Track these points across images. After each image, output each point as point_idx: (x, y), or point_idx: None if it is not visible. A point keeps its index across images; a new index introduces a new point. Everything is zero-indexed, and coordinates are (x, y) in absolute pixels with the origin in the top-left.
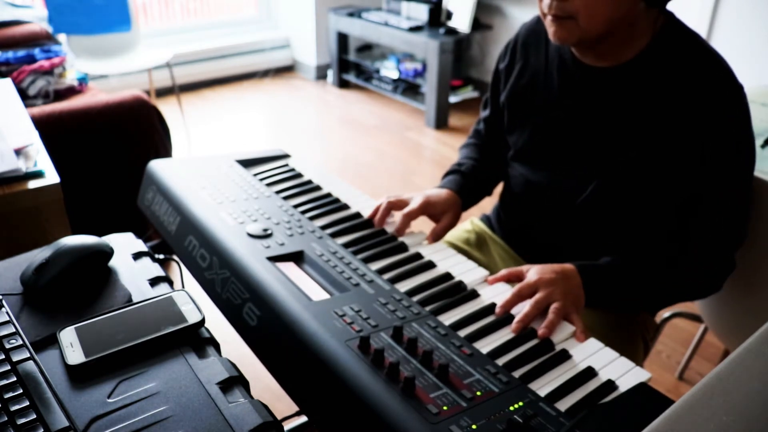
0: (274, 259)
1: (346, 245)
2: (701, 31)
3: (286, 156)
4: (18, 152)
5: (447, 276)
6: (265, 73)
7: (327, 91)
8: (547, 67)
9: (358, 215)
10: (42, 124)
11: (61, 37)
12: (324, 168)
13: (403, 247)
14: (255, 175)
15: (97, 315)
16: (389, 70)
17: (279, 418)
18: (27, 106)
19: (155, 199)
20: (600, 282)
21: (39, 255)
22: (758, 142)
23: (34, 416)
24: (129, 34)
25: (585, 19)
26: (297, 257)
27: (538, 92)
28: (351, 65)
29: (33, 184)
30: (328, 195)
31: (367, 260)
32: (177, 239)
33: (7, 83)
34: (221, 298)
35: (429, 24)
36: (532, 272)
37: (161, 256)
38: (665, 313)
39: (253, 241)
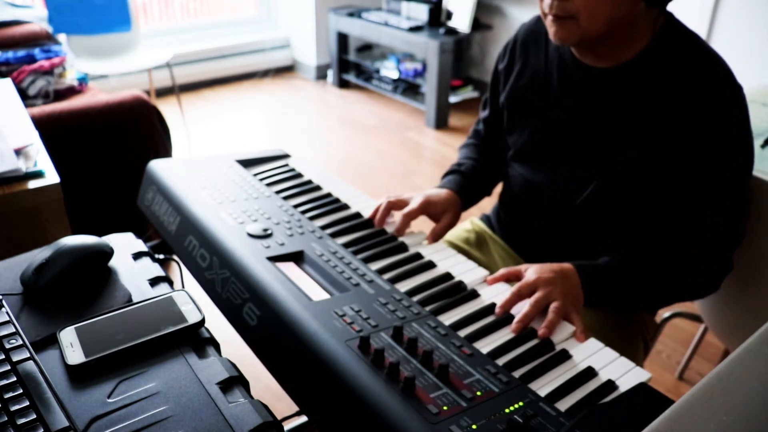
0: (274, 259)
1: (346, 245)
2: (701, 31)
3: (286, 156)
4: (18, 152)
5: (447, 276)
6: (265, 73)
7: (327, 91)
8: (546, 67)
9: (358, 215)
10: (42, 124)
11: (61, 37)
12: (324, 168)
13: (403, 247)
14: (255, 175)
15: (97, 315)
16: (389, 70)
17: (279, 418)
18: (27, 106)
19: (155, 199)
20: (598, 282)
21: (39, 255)
22: (758, 142)
23: (34, 416)
24: (129, 34)
25: (586, 19)
26: (297, 257)
27: (537, 92)
28: (351, 65)
29: (33, 184)
30: (328, 195)
31: (367, 260)
32: (177, 239)
33: (7, 83)
34: (221, 298)
35: (429, 24)
36: (531, 271)
37: (161, 256)
38: (665, 313)
39: (253, 241)
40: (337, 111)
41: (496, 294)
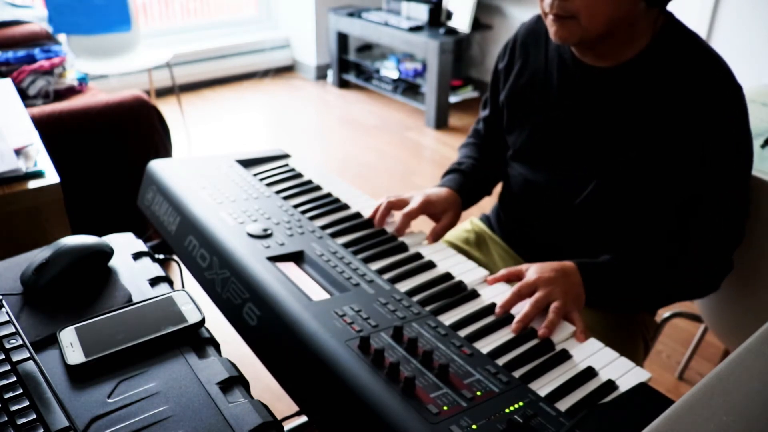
0: (274, 259)
1: (346, 245)
2: (701, 31)
3: (286, 156)
4: (18, 152)
5: (447, 276)
6: (265, 73)
7: (327, 91)
8: (546, 66)
9: (358, 215)
10: (42, 124)
11: (61, 37)
12: (324, 168)
13: (403, 247)
14: (255, 175)
15: (97, 315)
16: (389, 70)
17: (279, 418)
18: (27, 106)
19: (155, 199)
20: (600, 280)
21: (39, 255)
22: (758, 142)
23: (34, 416)
24: (129, 34)
25: (586, 19)
26: (297, 257)
27: (537, 92)
28: (351, 65)
29: (33, 184)
30: (328, 195)
31: (367, 260)
32: (177, 239)
33: (7, 83)
34: (221, 298)
35: (429, 24)
36: (532, 271)
37: (161, 256)
38: (665, 313)
39: (253, 241)
40: (337, 111)
41: (496, 294)
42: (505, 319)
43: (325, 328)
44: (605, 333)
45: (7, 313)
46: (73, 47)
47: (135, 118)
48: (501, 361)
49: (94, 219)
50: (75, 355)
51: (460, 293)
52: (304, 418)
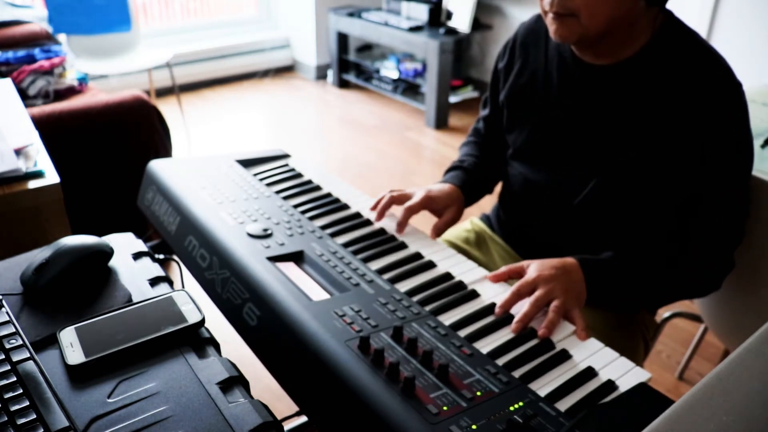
0: (274, 259)
1: (346, 245)
2: (701, 30)
3: (286, 156)
4: (18, 152)
5: (447, 276)
6: (265, 73)
7: (327, 91)
8: (546, 66)
9: (358, 215)
10: (42, 124)
11: (61, 37)
12: (324, 168)
13: (403, 247)
14: (255, 175)
15: (97, 315)
16: (389, 70)
17: (279, 418)
18: (27, 106)
19: (155, 199)
20: (602, 277)
21: (39, 255)
22: (758, 142)
23: (34, 416)
24: (129, 34)
25: (586, 17)
26: (297, 257)
27: (537, 91)
28: (351, 65)
29: (33, 184)
30: (328, 195)
31: (367, 260)
32: (177, 239)
33: (7, 83)
34: (221, 298)
35: (429, 24)
36: (532, 269)
37: (161, 256)
38: (665, 313)
39: (253, 241)
40: (337, 111)
41: (496, 294)
42: (505, 319)
43: (325, 328)
44: (605, 333)
45: (7, 313)
46: (73, 47)
47: (135, 118)
48: (501, 361)
49: (94, 219)
50: (75, 355)
51: (460, 293)
52: (304, 418)
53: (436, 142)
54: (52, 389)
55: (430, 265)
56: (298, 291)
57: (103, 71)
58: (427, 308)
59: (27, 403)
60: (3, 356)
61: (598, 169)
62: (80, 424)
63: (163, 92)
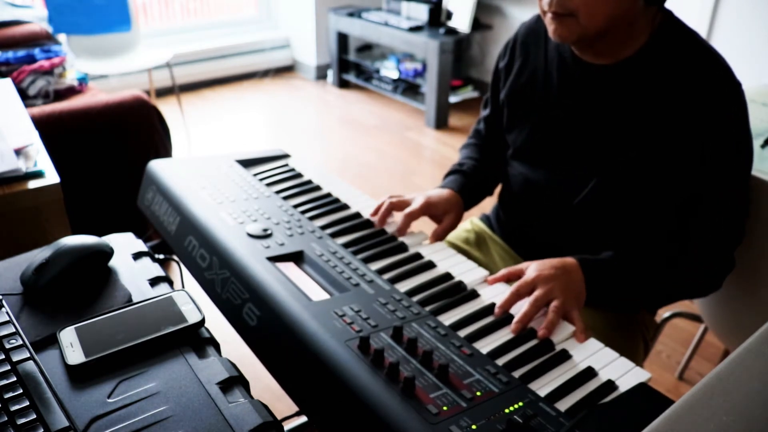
0: (274, 259)
1: (346, 245)
2: (701, 30)
3: (286, 156)
4: (18, 152)
5: (447, 276)
6: (265, 73)
7: (327, 91)
8: (546, 65)
9: (358, 215)
10: (42, 124)
11: (61, 37)
12: (324, 168)
13: (403, 247)
14: (255, 175)
15: (97, 315)
16: (389, 70)
17: (279, 418)
18: (27, 106)
19: (155, 199)
20: (602, 276)
21: (39, 255)
22: (758, 142)
23: (34, 416)
24: (129, 34)
25: (585, 17)
26: (297, 257)
27: (537, 91)
28: (351, 65)
29: (33, 184)
30: (328, 195)
31: (367, 260)
32: (177, 239)
33: (7, 83)
34: (221, 298)
35: (429, 24)
36: (531, 269)
37: (161, 256)
38: (665, 313)
39: (253, 241)
40: (337, 111)
41: (496, 294)
42: (505, 319)
43: (324, 328)
44: (605, 333)
45: (7, 313)
46: (73, 47)
47: (135, 118)
48: (501, 361)
49: (94, 219)
50: (75, 355)
51: (460, 293)
52: (304, 418)
53: (436, 142)
54: (52, 389)
55: (430, 265)
56: (298, 291)
57: (103, 71)
58: (427, 308)
59: (27, 403)
60: (3, 356)
61: (598, 169)
62: (80, 424)
63: (163, 92)
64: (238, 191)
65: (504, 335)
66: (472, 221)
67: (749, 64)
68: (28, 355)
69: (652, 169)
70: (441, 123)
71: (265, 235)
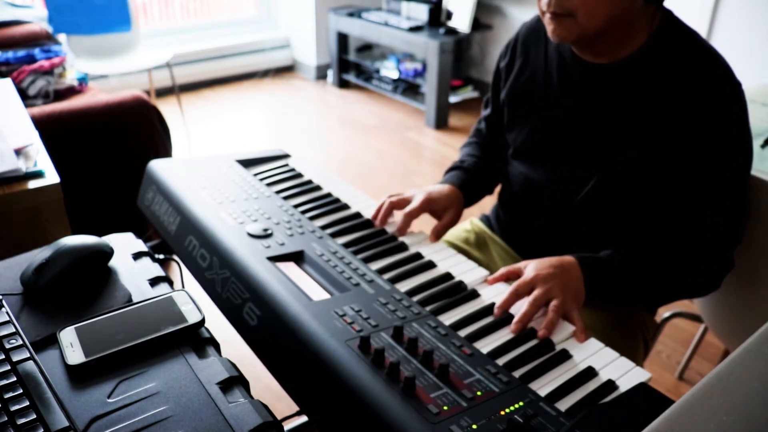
0: (274, 259)
1: (346, 245)
2: (701, 30)
3: (286, 156)
4: (18, 152)
5: (447, 276)
6: (265, 73)
7: (327, 91)
8: (546, 65)
9: (358, 215)
10: (42, 124)
11: (61, 37)
12: (324, 168)
13: (404, 247)
14: (255, 175)
15: (97, 315)
16: (389, 70)
17: (279, 418)
18: (27, 106)
19: (155, 199)
20: (601, 275)
21: (39, 255)
22: (758, 142)
23: (34, 416)
24: (129, 34)
25: (584, 17)
26: (297, 257)
27: (537, 90)
28: (351, 65)
29: (33, 184)
30: (328, 195)
31: (367, 260)
32: (177, 239)
33: (7, 83)
34: (221, 298)
35: (429, 24)
36: (530, 268)
37: (161, 256)
38: (665, 313)
39: (253, 241)
40: (337, 111)
41: (496, 294)
42: (505, 319)
43: (325, 328)
44: (605, 333)
45: (7, 313)
46: (73, 47)
47: (135, 118)
48: (501, 361)
49: (94, 219)
50: (75, 355)
51: (460, 293)
52: (304, 418)
53: (436, 142)
54: (52, 389)
55: (431, 265)
56: (299, 291)
57: (103, 71)
58: (428, 308)
59: (27, 403)
60: (3, 356)
61: (598, 168)
62: (80, 424)
63: (163, 92)
64: (238, 191)
65: (504, 335)
66: (471, 221)
67: (749, 64)
68: (28, 355)
69: (652, 168)
70: (441, 123)
71: (266, 235)
